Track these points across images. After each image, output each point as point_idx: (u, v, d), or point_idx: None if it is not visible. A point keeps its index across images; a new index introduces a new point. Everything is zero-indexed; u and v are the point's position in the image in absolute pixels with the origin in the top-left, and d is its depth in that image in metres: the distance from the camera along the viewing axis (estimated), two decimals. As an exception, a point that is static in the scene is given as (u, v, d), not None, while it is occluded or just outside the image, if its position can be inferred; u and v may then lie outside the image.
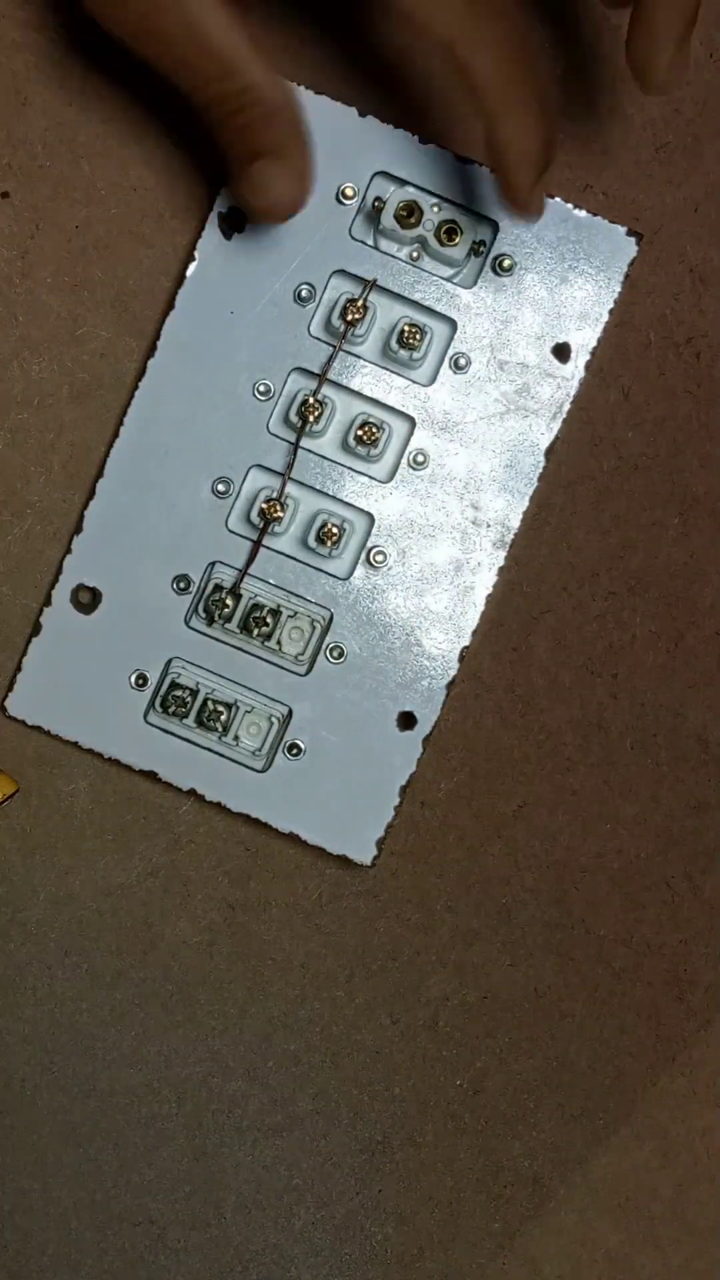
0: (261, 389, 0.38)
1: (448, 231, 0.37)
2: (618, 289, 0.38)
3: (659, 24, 0.32)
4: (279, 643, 0.38)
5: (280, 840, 0.39)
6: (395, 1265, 0.40)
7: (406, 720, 0.38)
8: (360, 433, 0.38)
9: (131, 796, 0.39)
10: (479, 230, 0.38)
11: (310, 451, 0.38)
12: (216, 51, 0.33)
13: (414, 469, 0.38)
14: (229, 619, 0.38)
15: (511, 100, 0.32)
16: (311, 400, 0.38)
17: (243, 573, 0.38)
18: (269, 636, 0.38)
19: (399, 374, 0.38)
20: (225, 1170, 0.40)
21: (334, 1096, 0.40)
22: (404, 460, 0.38)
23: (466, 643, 0.38)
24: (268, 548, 0.38)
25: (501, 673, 0.40)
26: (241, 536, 0.38)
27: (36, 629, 0.38)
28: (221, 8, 0.32)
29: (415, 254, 0.38)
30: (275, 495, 0.38)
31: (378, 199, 0.37)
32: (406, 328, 0.37)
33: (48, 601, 0.38)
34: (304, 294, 0.38)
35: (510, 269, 0.38)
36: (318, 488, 0.38)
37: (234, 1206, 0.40)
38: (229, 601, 0.38)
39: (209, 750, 0.38)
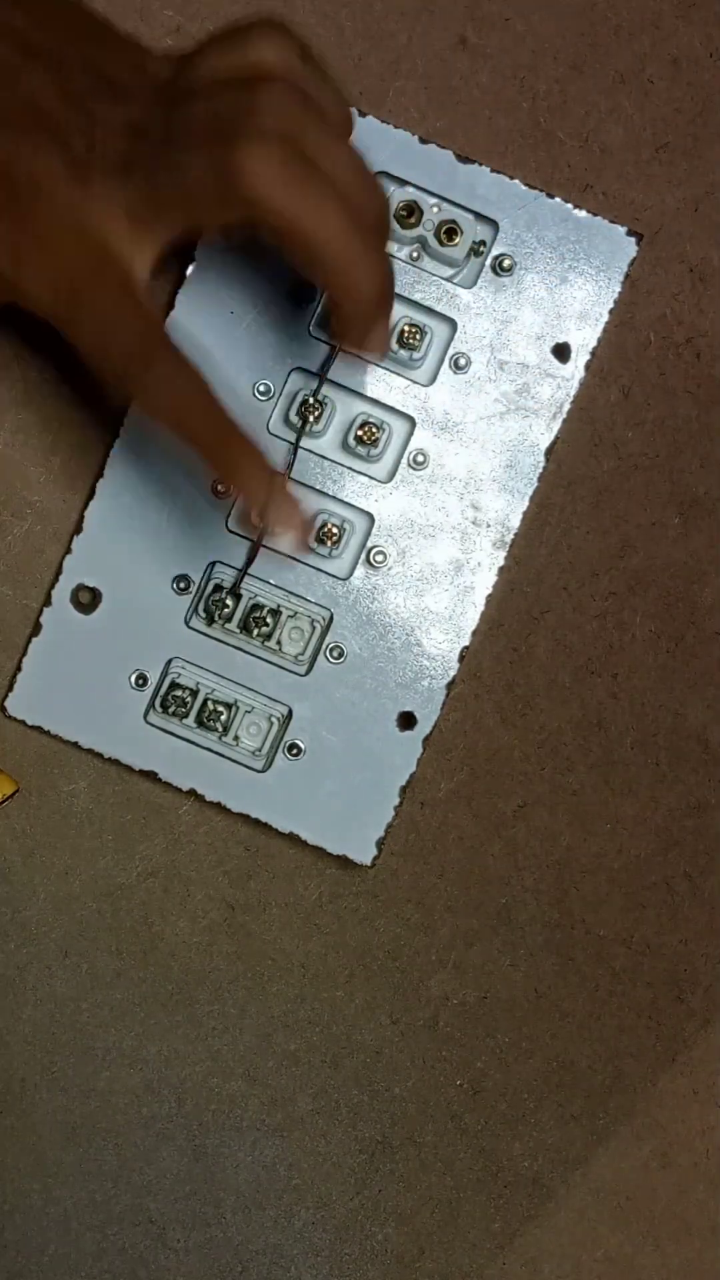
0: (261, 389, 0.38)
1: (448, 231, 0.37)
2: (618, 289, 0.38)
3: (345, 321, 0.33)
4: (279, 643, 0.38)
5: (280, 840, 0.39)
6: (395, 1265, 0.40)
7: (406, 720, 0.38)
8: (360, 433, 0.38)
9: (131, 796, 0.39)
10: (479, 230, 0.38)
11: (310, 451, 0.38)
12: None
13: (414, 469, 0.38)
14: (229, 619, 0.38)
15: (353, 255, 0.31)
16: (311, 400, 0.38)
17: (243, 573, 0.38)
18: (269, 636, 0.38)
19: (399, 374, 0.38)
20: (225, 1170, 0.40)
21: (334, 1096, 0.40)
22: (404, 460, 0.38)
23: (466, 643, 0.38)
24: (268, 548, 0.38)
25: (501, 673, 0.39)
26: (242, 536, 0.38)
27: (36, 629, 0.38)
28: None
29: (415, 254, 0.38)
30: (275, 495, 0.38)
31: (378, 199, 0.37)
32: (406, 328, 0.37)
33: (48, 601, 0.38)
34: (303, 294, 0.38)
35: (510, 269, 0.38)
36: (318, 488, 0.38)
37: (234, 1206, 0.40)
38: (229, 601, 0.38)
39: (209, 750, 0.38)
